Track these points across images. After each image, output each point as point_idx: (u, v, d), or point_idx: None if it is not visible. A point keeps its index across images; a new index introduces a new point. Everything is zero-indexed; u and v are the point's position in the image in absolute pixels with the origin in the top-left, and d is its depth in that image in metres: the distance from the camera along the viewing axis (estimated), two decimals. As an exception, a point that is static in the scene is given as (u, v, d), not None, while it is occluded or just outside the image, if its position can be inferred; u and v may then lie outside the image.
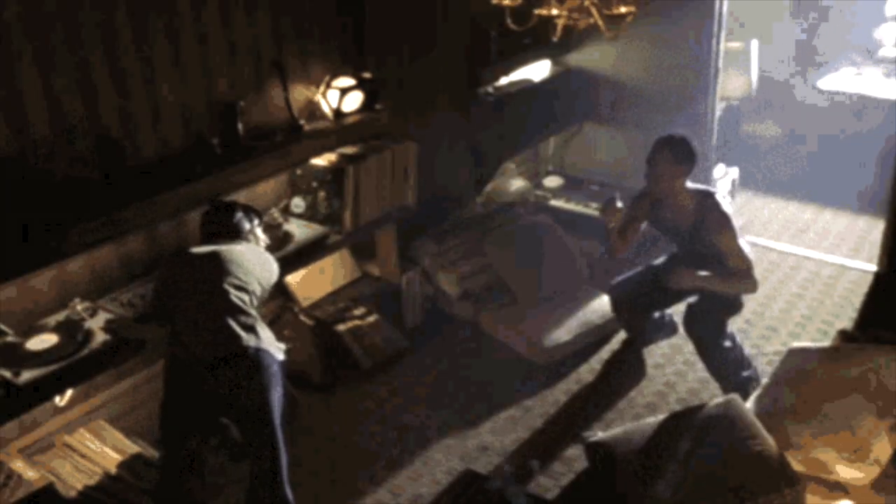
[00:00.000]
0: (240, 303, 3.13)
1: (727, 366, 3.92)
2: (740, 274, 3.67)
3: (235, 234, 3.33)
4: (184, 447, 3.21)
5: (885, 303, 4.02)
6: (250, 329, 3.12)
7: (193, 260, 3.21)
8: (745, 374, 3.94)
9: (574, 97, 5.55)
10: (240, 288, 3.15)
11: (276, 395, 3.15)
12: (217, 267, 3.15)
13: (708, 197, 3.72)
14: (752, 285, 3.70)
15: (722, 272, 3.70)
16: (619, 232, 3.97)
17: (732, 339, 3.97)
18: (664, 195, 3.77)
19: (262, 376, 3.10)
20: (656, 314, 4.37)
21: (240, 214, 3.37)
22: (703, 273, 3.72)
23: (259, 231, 3.48)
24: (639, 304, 4.15)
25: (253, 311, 3.18)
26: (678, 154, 3.65)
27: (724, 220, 3.65)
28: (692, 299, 3.96)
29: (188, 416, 3.18)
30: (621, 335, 4.57)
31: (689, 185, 3.74)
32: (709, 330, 3.89)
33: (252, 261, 3.26)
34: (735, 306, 3.89)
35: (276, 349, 3.21)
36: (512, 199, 5.40)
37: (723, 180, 5.88)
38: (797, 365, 3.61)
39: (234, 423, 3.45)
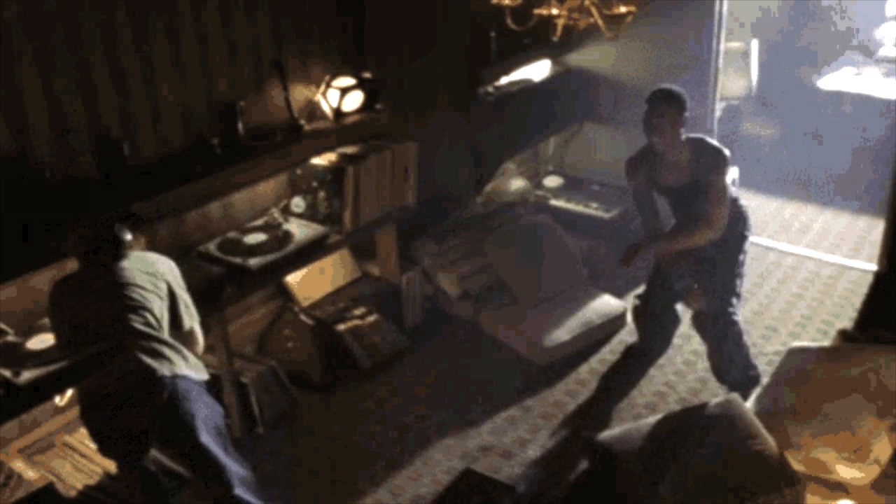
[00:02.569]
0: (145, 328, 2.90)
1: (736, 363, 3.92)
2: (705, 218, 3.66)
3: (120, 248, 3.03)
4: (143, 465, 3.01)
5: (885, 303, 4.03)
6: (160, 356, 2.88)
7: (85, 292, 2.95)
8: (752, 373, 3.96)
9: (574, 97, 5.55)
10: (141, 309, 2.93)
11: (202, 417, 2.92)
12: (112, 295, 2.92)
13: (701, 141, 3.75)
14: (713, 233, 3.69)
15: (682, 225, 3.77)
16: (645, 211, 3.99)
17: (741, 337, 3.94)
18: (665, 149, 3.73)
19: (182, 405, 2.88)
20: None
21: (117, 226, 3.08)
22: (659, 239, 3.83)
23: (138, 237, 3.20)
24: (652, 306, 4.19)
25: (160, 333, 2.95)
26: (681, 103, 3.67)
27: (719, 158, 3.67)
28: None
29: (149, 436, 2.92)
30: (621, 335, 4.58)
31: (684, 134, 3.74)
32: (718, 325, 3.85)
33: (143, 274, 3.01)
34: (732, 279, 3.86)
35: (193, 370, 2.98)
36: (512, 199, 5.40)
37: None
38: (797, 365, 3.61)
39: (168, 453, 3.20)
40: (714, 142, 3.78)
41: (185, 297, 3.15)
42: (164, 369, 2.87)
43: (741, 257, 3.88)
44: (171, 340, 2.99)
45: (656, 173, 3.85)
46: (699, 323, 4.02)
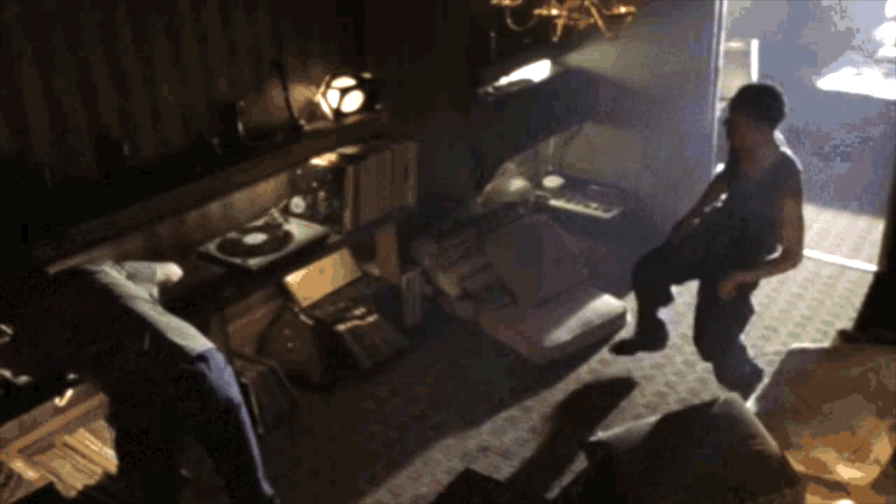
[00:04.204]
0: (160, 316, 2.87)
1: (735, 371, 3.94)
2: (788, 250, 3.61)
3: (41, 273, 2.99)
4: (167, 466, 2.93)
5: (885, 303, 4.03)
6: (185, 334, 2.85)
7: (85, 291, 2.89)
8: (749, 370, 3.97)
9: (574, 97, 5.55)
10: (143, 301, 2.91)
11: (237, 394, 2.92)
12: (114, 295, 2.88)
13: (791, 164, 3.57)
14: (797, 261, 3.64)
15: (767, 260, 3.68)
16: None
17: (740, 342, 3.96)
18: (743, 146, 3.61)
19: (222, 378, 2.85)
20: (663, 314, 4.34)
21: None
22: (750, 272, 3.70)
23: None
24: (659, 273, 4.07)
25: (169, 316, 2.92)
26: (759, 108, 3.50)
27: (798, 189, 3.55)
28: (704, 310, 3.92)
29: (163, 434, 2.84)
30: (621, 335, 4.57)
31: (780, 144, 3.60)
32: (720, 345, 3.88)
33: (110, 276, 2.98)
34: (744, 317, 3.87)
35: (210, 342, 2.93)
36: (512, 199, 5.40)
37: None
38: (797, 365, 3.61)
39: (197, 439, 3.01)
40: (798, 167, 3.59)
41: (131, 265, 3.13)
42: (197, 346, 2.82)
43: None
44: (180, 320, 2.95)
45: (737, 161, 3.73)
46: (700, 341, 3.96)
